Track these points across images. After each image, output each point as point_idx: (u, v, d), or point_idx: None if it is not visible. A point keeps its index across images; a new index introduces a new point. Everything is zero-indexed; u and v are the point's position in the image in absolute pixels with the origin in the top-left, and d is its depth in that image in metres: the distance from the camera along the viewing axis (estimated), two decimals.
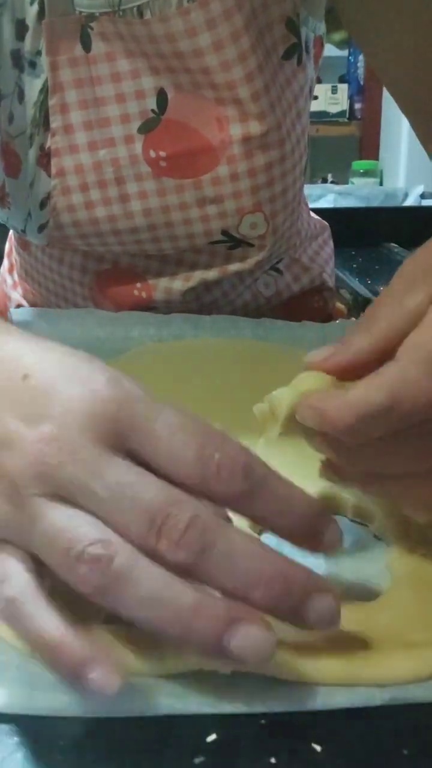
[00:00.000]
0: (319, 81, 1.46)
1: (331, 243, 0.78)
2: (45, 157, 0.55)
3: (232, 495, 0.26)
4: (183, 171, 0.53)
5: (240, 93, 0.50)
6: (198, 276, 0.62)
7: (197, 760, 0.24)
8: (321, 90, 1.29)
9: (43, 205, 0.57)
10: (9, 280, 0.77)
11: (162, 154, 0.53)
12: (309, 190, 1.69)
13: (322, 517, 0.27)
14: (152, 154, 0.53)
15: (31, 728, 0.26)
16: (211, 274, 0.62)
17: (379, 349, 0.29)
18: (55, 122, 0.53)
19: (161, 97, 0.51)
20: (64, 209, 0.56)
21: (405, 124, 2.37)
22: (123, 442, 0.26)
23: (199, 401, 0.50)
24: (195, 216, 0.56)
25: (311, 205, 1.66)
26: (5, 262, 0.79)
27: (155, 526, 0.25)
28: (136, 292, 0.63)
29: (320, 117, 2.81)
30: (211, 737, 0.25)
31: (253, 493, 0.26)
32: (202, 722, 0.26)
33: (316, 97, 1.45)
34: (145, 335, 0.64)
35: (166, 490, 0.25)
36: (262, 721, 0.26)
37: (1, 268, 0.80)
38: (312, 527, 0.27)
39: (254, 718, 0.26)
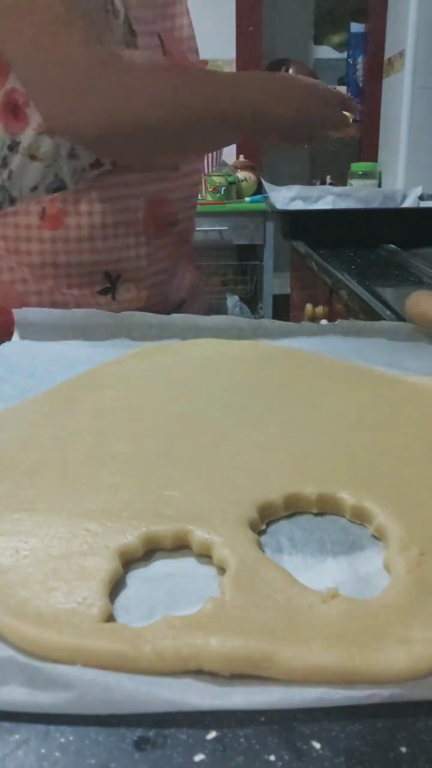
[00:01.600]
0: None
1: None
2: None
3: None
4: None
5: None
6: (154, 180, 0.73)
7: (197, 758, 0.25)
8: None
9: None
10: None
11: None
12: (308, 191, 1.69)
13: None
14: None
15: (32, 726, 0.26)
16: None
17: None
18: None
19: None
20: None
21: (404, 126, 2.36)
22: None
23: (200, 400, 0.51)
24: None
25: (311, 207, 1.67)
26: None
27: None
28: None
29: None
30: (211, 735, 0.25)
31: None
32: (201, 720, 0.26)
33: None
34: (145, 335, 0.64)
35: None
36: (262, 719, 0.26)
37: None
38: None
39: (254, 716, 0.26)
